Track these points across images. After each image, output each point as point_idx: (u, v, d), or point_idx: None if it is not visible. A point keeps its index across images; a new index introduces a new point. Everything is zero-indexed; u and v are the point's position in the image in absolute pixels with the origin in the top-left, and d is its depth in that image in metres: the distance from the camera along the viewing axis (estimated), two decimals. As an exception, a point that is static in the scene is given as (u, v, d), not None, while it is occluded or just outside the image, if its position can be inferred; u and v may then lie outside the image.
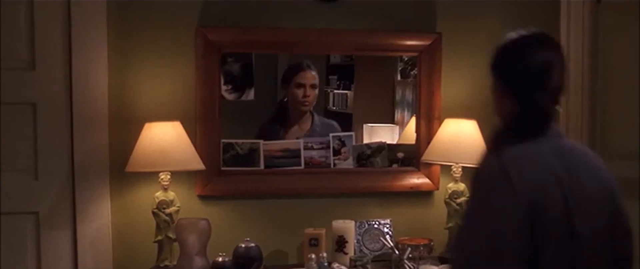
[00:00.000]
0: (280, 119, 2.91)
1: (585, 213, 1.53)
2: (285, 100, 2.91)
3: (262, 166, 2.81)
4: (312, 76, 2.90)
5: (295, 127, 2.91)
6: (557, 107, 1.62)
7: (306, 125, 2.91)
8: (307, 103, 2.90)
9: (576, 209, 1.52)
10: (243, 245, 2.58)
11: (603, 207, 1.58)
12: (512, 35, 1.66)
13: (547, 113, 1.59)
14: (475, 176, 1.60)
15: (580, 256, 1.52)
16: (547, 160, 1.55)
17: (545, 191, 1.50)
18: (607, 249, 1.58)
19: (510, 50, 1.65)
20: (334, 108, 2.95)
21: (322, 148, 2.86)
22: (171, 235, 2.57)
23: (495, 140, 1.63)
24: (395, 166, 2.92)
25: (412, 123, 2.95)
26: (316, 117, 2.92)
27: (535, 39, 1.64)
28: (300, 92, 2.88)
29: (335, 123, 2.93)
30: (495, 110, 1.68)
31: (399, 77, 2.96)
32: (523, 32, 1.65)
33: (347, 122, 2.93)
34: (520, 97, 1.59)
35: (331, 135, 2.87)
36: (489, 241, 1.46)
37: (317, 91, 2.90)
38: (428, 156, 2.82)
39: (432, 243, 2.70)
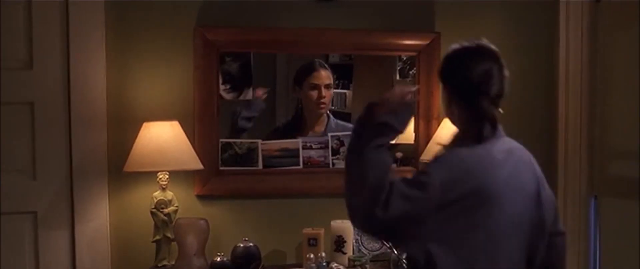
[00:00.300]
0: (295, 125, 2.86)
1: (518, 199, 1.77)
2: (299, 105, 2.85)
3: (260, 166, 2.81)
4: (326, 75, 2.85)
5: (310, 133, 2.87)
6: (499, 110, 1.83)
7: (320, 128, 2.88)
8: (323, 106, 2.85)
9: (512, 196, 1.76)
10: (241, 245, 2.58)
11: (533, 194, 1.83)
12: (456, 46, 1.86)
13: (493, 118, 1.80)
14: (438, 163, 1.79)
15: (507, 234, 1.75)
16: (494, 158, 1.77)
17: (490, 184, 1.73)
18: (538, 229, 1.82)
19: (453, 61, 1.86)
20: (333, 107, 2.93)
21: (320, 148, 2.86)
22: (169, 235, 2.57)
23: (455, 141, 1.86)
24: (393, 165, 2.91)
25: (410, 122, 2.93)
26: (332, 119, 2.89)
27: (476, 51, 1.84)
28: (314, 94, 2.84)
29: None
30: (445, 112, 1.91)
31: (397, 77, 2.95)
32: (466, 43, 1.86)
33: (346, 121, 2.92)
34: (465, 102, 1.81)
35: (330, 134, 2.87)
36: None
37: (332, 91, 2.87)
38: (426, 155, 2.81)
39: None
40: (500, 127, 1.84)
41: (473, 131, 1.79)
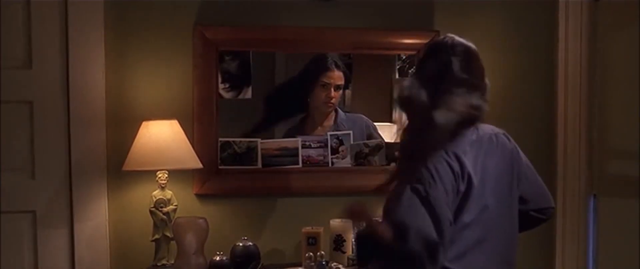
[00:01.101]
0: (303, 123, 2.86)
1: (490, 184, 1.88)
2: (307, 101, 2.85)
3: (259, 165, 2.80)
4: (339, 76, 2.83)
5: (319, 129, 2.87)
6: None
7: (329, 122, 2.88)
8: (331, 105, 2.84)
9: (484, 183, 1.86)
10: (241, 244, 2.58)
11: (505, 176, 1.94)
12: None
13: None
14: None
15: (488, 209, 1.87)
16: (469, 147, 1.87)
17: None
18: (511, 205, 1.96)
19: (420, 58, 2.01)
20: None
21: (320, 147, 2.86)
22: (168, 234, 2.56)
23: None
24: (393, 165, 2.91)
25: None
26: (340, 113, 2.87)
27: (433, 47, 1.95)
28: (323, 93, 2.83)
29: (363, 116, 2.89)
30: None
31: (397, 76, 2.95)
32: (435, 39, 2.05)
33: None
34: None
35: (329, 133, 2.86)
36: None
37: (341, 90, 2.85)
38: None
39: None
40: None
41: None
